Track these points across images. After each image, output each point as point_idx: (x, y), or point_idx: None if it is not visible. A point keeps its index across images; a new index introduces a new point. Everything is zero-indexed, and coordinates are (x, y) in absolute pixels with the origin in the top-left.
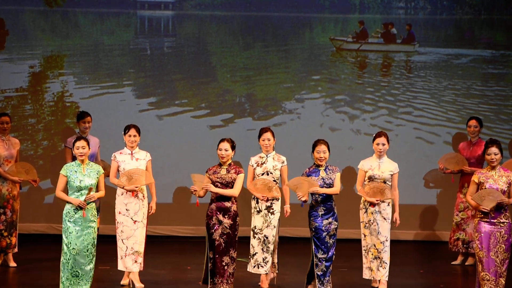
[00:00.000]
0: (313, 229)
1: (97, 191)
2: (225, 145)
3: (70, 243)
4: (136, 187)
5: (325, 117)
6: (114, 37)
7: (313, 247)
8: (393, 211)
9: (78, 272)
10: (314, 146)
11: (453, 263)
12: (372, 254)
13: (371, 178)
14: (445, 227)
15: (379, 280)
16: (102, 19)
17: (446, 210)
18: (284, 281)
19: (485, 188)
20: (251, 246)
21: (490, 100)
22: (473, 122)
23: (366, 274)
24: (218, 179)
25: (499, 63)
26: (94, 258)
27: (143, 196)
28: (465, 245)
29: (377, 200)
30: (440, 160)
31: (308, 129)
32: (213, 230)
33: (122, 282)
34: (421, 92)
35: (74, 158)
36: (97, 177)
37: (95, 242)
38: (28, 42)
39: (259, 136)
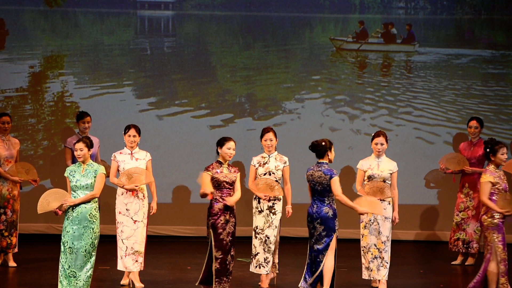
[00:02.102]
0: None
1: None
2: (233, 145)
3: (67, 242)
4: (136, 186)
5: (325, 117)
6: (114, 37)
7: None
8: (393, 210)
9: (75, 273)
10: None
11: (453, 263)
12: (372, 254)
13: (370, 178)
14: (445, 227)
15: (379, 280)
16: (102, 19)
17: (446, 210)
18: (284, 281)
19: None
20: (253, 246)
21: (490, 100)
22: (473, 123)
23: (365, 275)
24: (225, 179)
25: (499, 63)
26: (93, 260)
27: (143, 196)
28: (465, 245)
29: (377, 199)
30: (441, 160)
31: (308, 129)
32: (222, 230)
33: (122, 282)
34: (421, 92)
35: (73, 158)
36: (94, 177)
37: (95, 243)
38: (28, 42)
39: (261, 136)
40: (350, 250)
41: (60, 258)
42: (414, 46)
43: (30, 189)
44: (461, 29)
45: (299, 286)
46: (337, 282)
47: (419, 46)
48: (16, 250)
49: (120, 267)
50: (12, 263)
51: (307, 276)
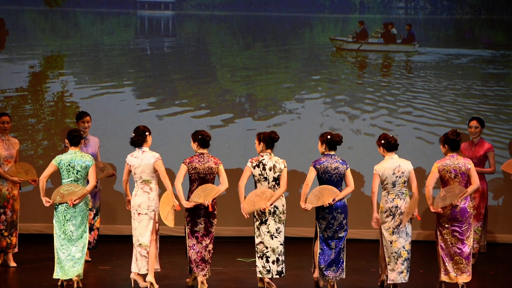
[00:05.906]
0: None
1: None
2: None
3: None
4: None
5: (325, 117)
6: (114, 37)
7: None
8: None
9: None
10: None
11: None
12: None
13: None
14: None
15: (388, 283)
16: (102, 19)
17: None
18: (285, 281)
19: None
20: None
21: (490, 100)
22: (473, 123)
23: (395, 279)
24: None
25: (499, 63)
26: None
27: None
28: None
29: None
30: None
31: (308, 129)
32: None
33: (141, 286)
34: (421, 92)
35: None
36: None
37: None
38: (28, 42)
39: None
40: (351, 250)
41: (59, 247)
42: (414, 46)
43: (30, 189)
44: (461, 29)
45: (314, 276)
46: (339, 283)
47: (419, 46)
48: (16, 250)
49: (134, 269)
50: (12, 263)
51: (321, 264)
